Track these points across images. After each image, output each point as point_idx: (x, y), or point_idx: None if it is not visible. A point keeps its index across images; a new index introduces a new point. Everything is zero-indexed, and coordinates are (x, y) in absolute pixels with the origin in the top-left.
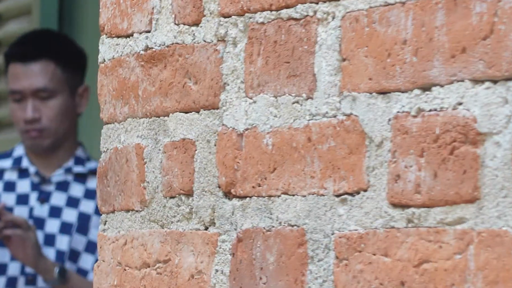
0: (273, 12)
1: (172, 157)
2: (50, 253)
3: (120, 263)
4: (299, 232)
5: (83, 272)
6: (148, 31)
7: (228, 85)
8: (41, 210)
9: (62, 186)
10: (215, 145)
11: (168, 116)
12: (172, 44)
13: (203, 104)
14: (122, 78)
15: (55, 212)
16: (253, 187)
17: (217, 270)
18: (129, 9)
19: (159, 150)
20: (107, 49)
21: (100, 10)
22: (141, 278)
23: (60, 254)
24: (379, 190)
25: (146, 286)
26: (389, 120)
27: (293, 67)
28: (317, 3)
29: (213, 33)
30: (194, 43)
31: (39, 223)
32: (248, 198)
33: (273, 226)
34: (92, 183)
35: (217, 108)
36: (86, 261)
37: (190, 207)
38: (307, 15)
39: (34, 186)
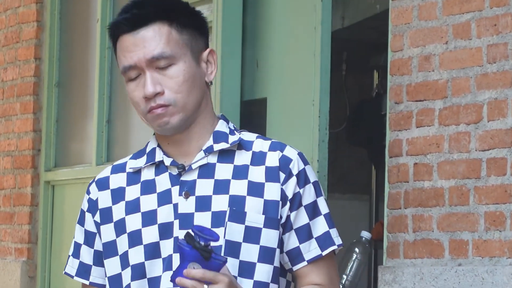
0: None
1: None
2: None
3: None
4: None
5: (247, 266)
6: None
7: None
8: (187, 206)
9: (206, 171)
10: None
11: None
12: None
13: None
14: None
15: (203, 203)
16: None
17: None
18: None
19: None
20: None
21: None
22: None
23: (216, 250)
24: None
25: None
26: None
27: None
28: None
29: None
30: None
31: (187, 220)
32: None
33: None
34: (240, 159)
35: None
36: (248, 252)
37: None
38: None
39: (174, 179)
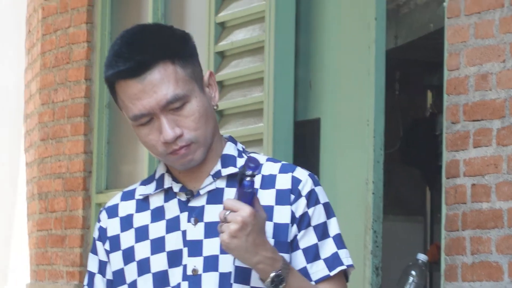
0: None
1: None
2: (213, 277)
3: None
4: None
5: None
6: None
7: None
8: (196, 232)
9: (214, 197)
10: None
11: None
12: None
13: None
14: None
15: (212, 230)
16: None
17: None
18: None
19: None
20: None
21: None
22: None
23: (225, 277)
24: None
25: None
26: None
27: None
28: None
29: None
30: None
31: (196, 247)
32: None
33: None
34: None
35: None
36: (256, 278)
37: None
38: None
39: (182, 206)
